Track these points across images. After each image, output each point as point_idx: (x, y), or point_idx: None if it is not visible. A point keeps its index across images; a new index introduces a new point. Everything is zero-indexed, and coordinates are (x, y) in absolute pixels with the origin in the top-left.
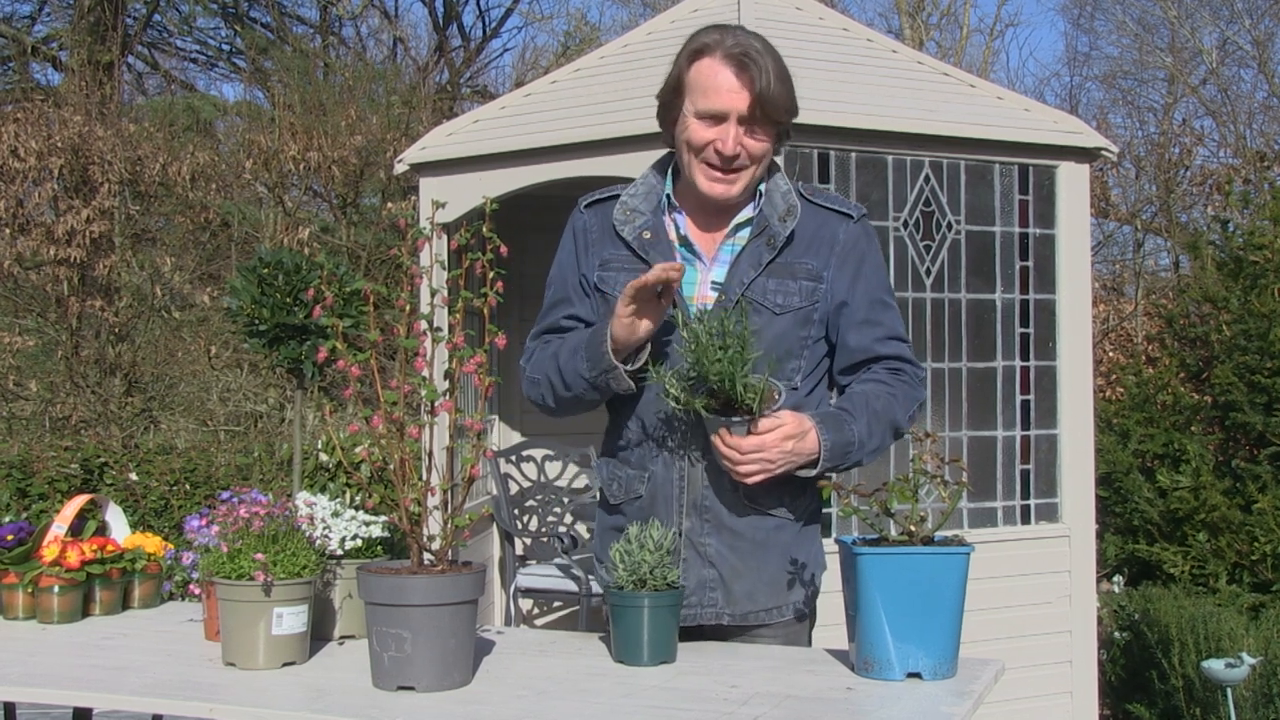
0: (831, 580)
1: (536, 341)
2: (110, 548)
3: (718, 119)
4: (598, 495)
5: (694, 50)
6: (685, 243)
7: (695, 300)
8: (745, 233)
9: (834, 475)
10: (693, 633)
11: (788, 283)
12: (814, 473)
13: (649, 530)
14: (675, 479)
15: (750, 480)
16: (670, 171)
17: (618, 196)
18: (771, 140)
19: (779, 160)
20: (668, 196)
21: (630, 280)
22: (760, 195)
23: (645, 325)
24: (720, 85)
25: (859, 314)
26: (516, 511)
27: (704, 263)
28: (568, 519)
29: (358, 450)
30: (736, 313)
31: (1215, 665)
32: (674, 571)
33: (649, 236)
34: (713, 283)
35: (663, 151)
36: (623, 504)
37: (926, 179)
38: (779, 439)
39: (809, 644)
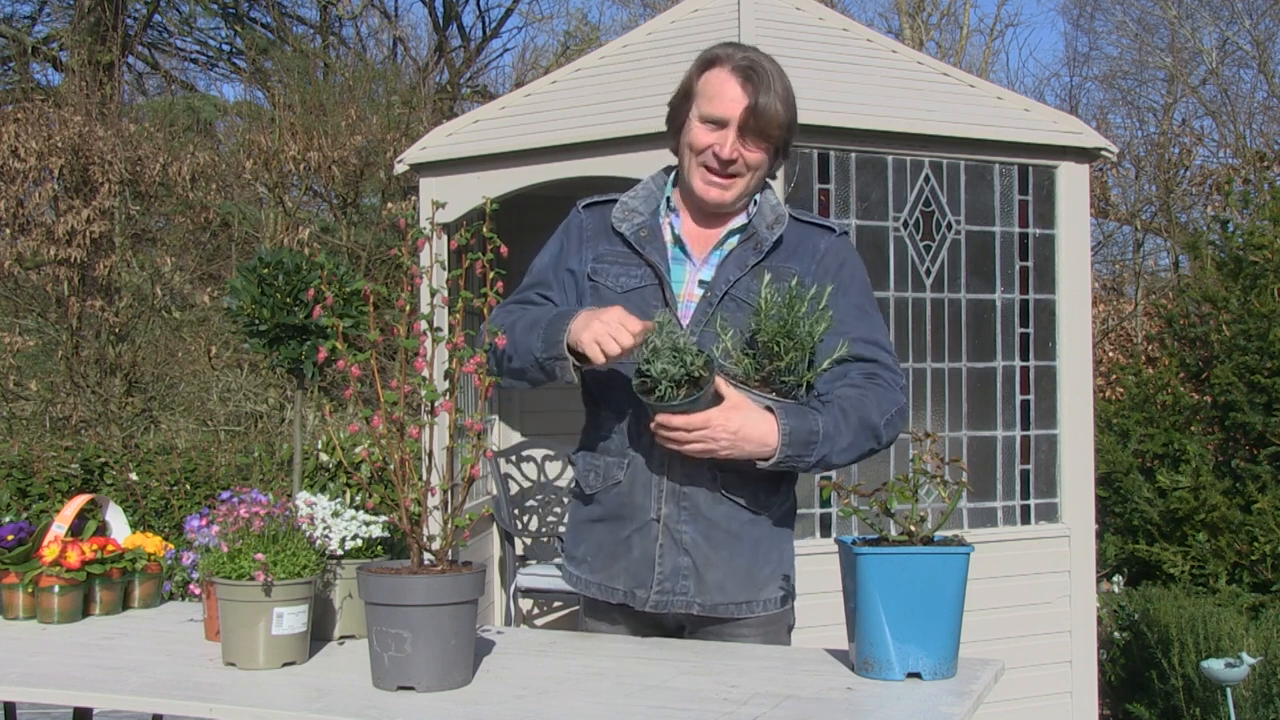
0: (829, 580)
1: (502, 309)
2: (110, 548)
3: (719, 124)
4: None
5: (706, 60)
6: (679, 242)
7: (682, 298)
8: (735, 239)
9: (835, 478)
10: (667, 628)
11: (771, 284)
12: (775, 459)
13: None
14: (656, 465)
15: (692, 453)
16: (672, 178)
17: (615, 200)
18: (768, 153)
19: (781, 178)
20: (667, 199)
21: (621, 274)
22: (754, 205)
23: (601, 360)
24: (725, 93)
25: (837, 318)
26: (516, 511)
27: (694, 263)
28: (568, 519)
29: (358, 450)
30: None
31: (1215, 665)
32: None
33: (645, 234)
34: (700, 281)
35: (664, 154)
36: (599, 493)
37: (926, 179)
38: (722, 415)
39: (788, 645)
